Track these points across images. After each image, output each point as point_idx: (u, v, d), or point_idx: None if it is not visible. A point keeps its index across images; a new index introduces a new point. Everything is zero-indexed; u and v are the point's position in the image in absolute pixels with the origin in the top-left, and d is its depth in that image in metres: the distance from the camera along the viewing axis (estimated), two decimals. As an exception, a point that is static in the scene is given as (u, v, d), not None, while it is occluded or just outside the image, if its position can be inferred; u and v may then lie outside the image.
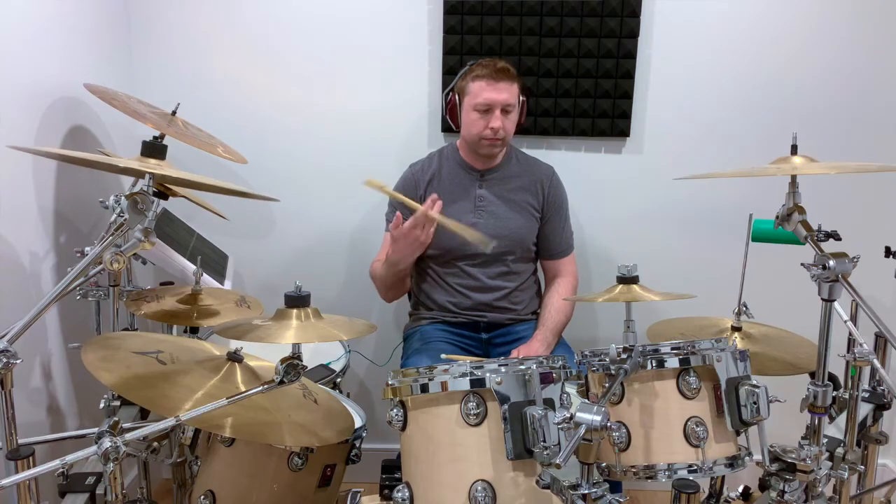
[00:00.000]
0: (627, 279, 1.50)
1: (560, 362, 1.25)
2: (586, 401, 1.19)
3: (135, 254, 1.43)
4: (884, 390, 1.71)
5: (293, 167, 2.39)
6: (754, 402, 1.30)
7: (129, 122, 1.85)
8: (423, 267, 2.15)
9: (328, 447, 1.43)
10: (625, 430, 1.32)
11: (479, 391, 1.19)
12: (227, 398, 1.16)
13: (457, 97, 2.02)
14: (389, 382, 1.27)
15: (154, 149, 1.61)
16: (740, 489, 1.58)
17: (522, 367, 1.21)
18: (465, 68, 2.01)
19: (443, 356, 1.87)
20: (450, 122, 2.09)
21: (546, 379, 1.20)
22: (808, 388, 1.38)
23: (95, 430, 1.07)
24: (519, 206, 2.10)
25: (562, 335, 2.11)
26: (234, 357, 1.39)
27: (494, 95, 1.94)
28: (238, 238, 2.41)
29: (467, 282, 2.10)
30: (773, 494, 1.37)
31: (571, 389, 1.46)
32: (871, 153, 2.33)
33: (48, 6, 1.84)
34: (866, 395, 1.69)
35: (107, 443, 1.04)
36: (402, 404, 1.25)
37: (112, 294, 1.66)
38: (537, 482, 1.16)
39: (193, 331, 1.88)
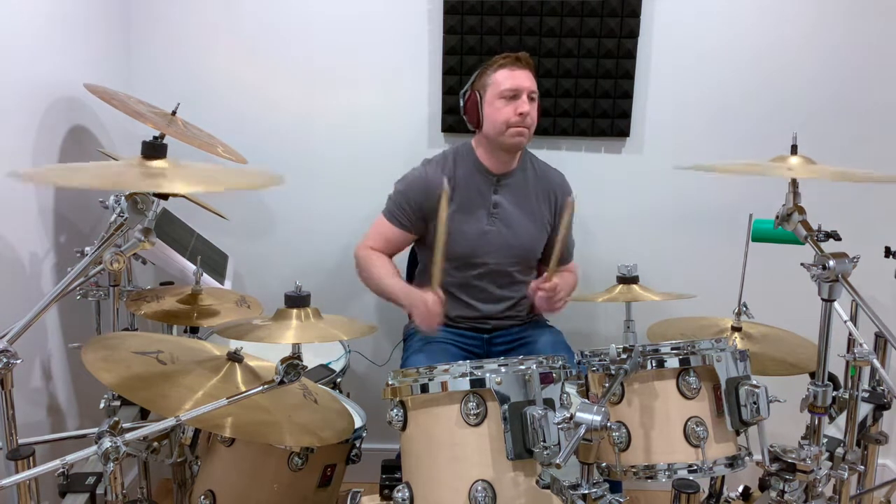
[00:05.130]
0: (627, 279, 1.50)
1: (560, 362, 1.25)
2: (586, 401, 1.19)
3: (135, 254, 1.44)
4: (884, 390, 1.71)
5: (293, 167, 2.39)
6: (754, 402, 1.30)
7: (129, 122, 1.85)
8: (428, 276, 2.12)
9: (328, 447, 1.43)
10: (625, 430, 1.32)
11: (479, 391, 1.19)
12: (227, 398, 1.16)
13: (477, 94, 1.98)
14: (389, 382, 1.27)
15: (154, 149, 1.61)
16: (740, 489, 1.58)
17: (522, 367, 1.21)
18: (479, 69, 2.00)
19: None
20: (467, 122, 2.04)
21: (546, 379, 1.20)
22: (808, 388, 1.38)
23: (95, 430, 1.07)
24: (532, 215, 2.07)
25: (559, 331, 2.11)
26: (234, 357, 1.39)
27: (520, 81, 1.93)
28: (238, 238, 2.41)
29: (475, 293, 2.07)
30: (773, 494, 1.37)
31: (571, 389, 1.46)
32: (871, 153, 2.33)
33: (48, 6, 1.84)
34: (866, 395, 1.69)
35: (107, 443, 1.04)
36: (402, 404, 1.25)
37: (112, 294, 1.66)
38: (537, 482, 1.17)
39: (193, 331, 1.88)
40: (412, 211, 2.03)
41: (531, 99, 1.95)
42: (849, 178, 1.38)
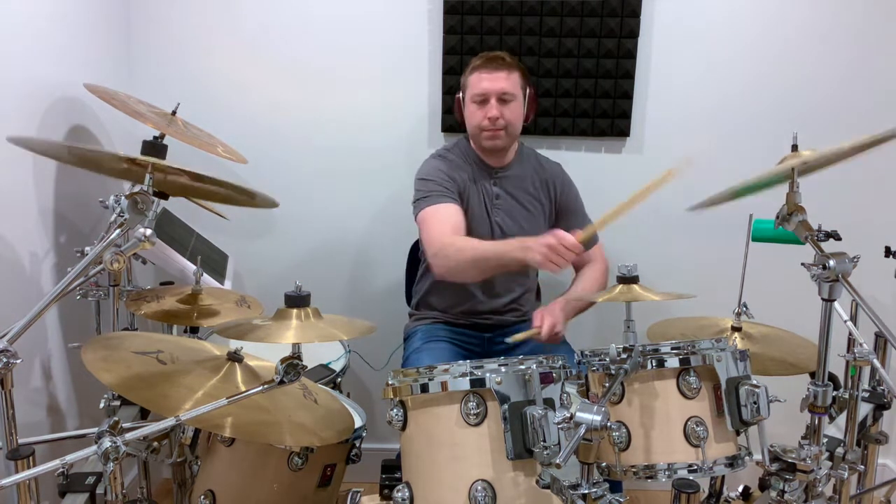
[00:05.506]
0: (627, 279, 1.50)
1: (560, 362, 1.25)
2: (586, 401, 1.19)
3: (135, 254, 1.43)
4: (884, 390, 1.71)
5: (293, 167, 2.39)
6: (754, 402, 1.30)
7: (130, 122, 1.85)
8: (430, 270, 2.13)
9: (328, 447, 1.43)
10: (625, 430, 1.32)
11: (479, 391, 1.19)
12: (227, 398, 1.16)
13: (460, 96, 2.02)
14: (389, 382, 1.27)
15: (154, 148, 1.61)
16: (740, 489, 1.58)
17: (522, 367, 1.21)
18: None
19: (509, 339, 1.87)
20: (459, 122, 2.06)
21: (546, 379, 1.20)
22: (808, 388, 1.38)
23: (95, 430, 1.07)
24: (532, 205, 2.08)
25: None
26: (234, 357, 1.39)
27: (489, 84, 1.92)
28: (238, 238, 2.41)
29: (478, 286, 2.07)
30: (773, 494, 1.37)
31: (571, 389, 1.46)
32: (872, 153, 2.32)
33: (48, 6, 1.84)
34: (866, 395, 1.69)
35: (107, 443, 1.04)
36: (402, 404, 1.25)
37: (112, 294, 1.67)
38: (537, 482, 1.16)
39: (193, 331, 1.88)
40: (454, 182, 1.99)
41: (504, 100, 1.93)
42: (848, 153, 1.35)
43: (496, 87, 1.92)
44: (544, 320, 1.86)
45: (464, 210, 2.00)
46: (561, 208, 2.12)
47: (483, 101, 1.94)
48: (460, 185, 2.01)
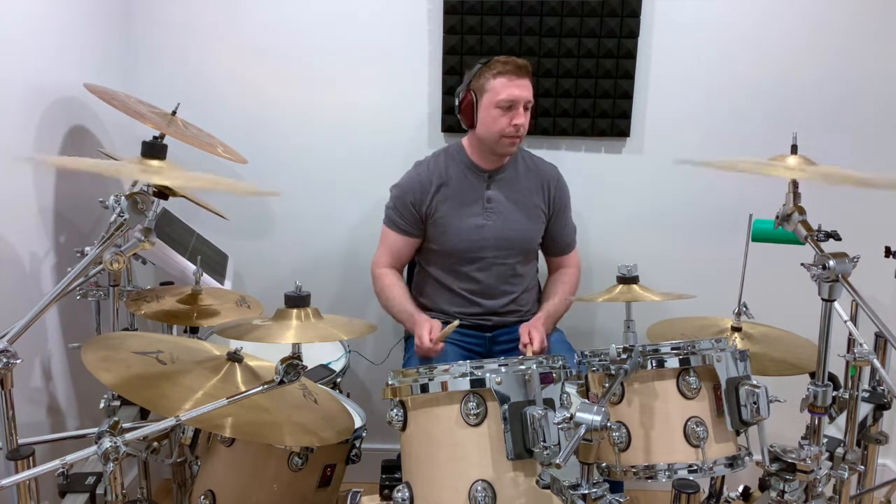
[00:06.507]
0: (627, 279, 1.50)
1: (560, 362, 1.25)
2: (586, 401, 1.19)
3: (135, 254, 1.43)
4: (884, 390, 1.71)
5: (293, 167, 2.39)
6: (754, 402, 1.30)
7: (130, 122, 1.85)
8: (428, 271, 2.14)
9: (328, 447, 1.43)
10: (625, 430, 1.32)
11: (479, 391, 1.19)
12: (227, 398, 1.16)
13: (473, 95, 1.96)
14: (389, 382, 1.27)
15: (154, 149, 1.61)
16: (740, 489, 1.58)
17: (522, 367, 1.21)
18: (479, 66, 1.96)
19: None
20: (462, 121, 2.03)
21: (546, 379, 1.20)
22: (808, 388, 1.38)
23: (95, 430, 1.07)
24: (527, 207, 2.08)
25: (560, 329, 2.13)
26: (234, 357, 1.39)
27: (518, 92, 1.91)
28: (238, 238, 2.41)
29: (475, 287, 2.08)
30: (773, 494, 1.37)
31: (571, 389, 1.46)
32: (873, 154, 2.32)
33: (48, 6, 1.84)
34: (866, 395, 1.69)
35: (107, 443, 1.04)
36: (402, 404, 1.25)
37: (112, 294, 1.67)
38: (537, 482, 1.17)
39: (193, 331, 1.88)
40: (410, 214, 2.05)
41: (526, 108, 1.94)
42: (842, 181, 1.37)
43: (525, 95, 1.92)
44: (532, 336, 1.94)
45: (436, 218, 2.04)
46: (552, 211, 2.13)
47: (510, 107, 1.91)
48: (422, 206, 2.04)
